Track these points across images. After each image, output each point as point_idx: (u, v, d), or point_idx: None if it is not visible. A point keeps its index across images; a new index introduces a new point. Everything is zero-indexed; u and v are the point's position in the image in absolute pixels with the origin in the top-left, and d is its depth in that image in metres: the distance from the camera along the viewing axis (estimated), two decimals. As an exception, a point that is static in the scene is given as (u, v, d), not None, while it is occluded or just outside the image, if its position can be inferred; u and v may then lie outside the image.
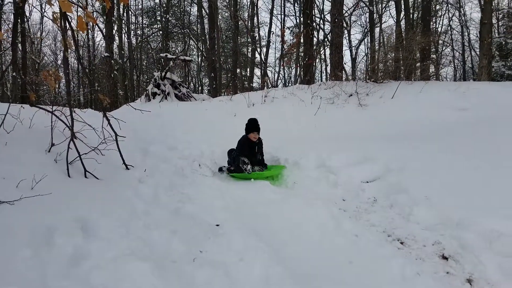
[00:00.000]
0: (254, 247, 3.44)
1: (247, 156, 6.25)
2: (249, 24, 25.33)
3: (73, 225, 3.17)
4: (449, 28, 29.23)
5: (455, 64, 30.53)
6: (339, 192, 5.14)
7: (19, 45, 16.54)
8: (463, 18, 28.37)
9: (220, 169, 6.55)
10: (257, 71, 31.47)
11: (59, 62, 33.45)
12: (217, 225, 4.01)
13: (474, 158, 4.84)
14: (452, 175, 4.53)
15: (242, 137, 6.47)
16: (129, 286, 2.65)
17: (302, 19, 19.18)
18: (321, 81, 16.99)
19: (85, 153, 4.73)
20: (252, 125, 6.42)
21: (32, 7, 33.41)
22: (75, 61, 31.25)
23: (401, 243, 3.70)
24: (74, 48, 4.92)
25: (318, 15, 23.65)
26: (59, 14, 4.76)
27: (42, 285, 2.43)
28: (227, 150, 6.70)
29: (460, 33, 29.63)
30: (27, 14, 26.19)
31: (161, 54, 15.72)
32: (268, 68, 29.71)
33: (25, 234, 2.80)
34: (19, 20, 15.38)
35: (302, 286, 2.96)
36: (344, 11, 17.64)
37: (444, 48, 29.31)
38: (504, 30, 21.79)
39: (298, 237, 3.93)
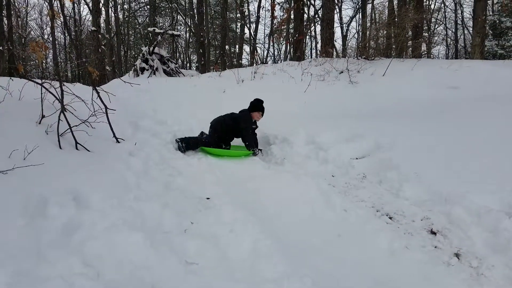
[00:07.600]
0: (244, 220, 3.47)
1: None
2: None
3: (66, 195, 3.19)
4: (442, 5, 28.91)
5: (448, 42, 30.41)
6: (329, 168, 5.16)
7: (5, 18, 16.22)
8: (457, -5, 28.07)
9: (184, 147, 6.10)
10: (246, 48, 31.19)
11: (46, 36, 32.87)
12: (208, 199, 4.05)
13: (465, 135, 4.88)
14: (443, 152, 4.56)
15: (246, 112, 6.39)
16: (122, 256, 2.69)
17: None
18: (312, 58, 16.85)
19: (76, 125, 4.70)
20: (260, 105, 6.43)
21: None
22: (62, 35, 30.79)
23: (390, 218, 3.76)
24: (61, 18, 4.81)
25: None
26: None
27: (37, 254, 2.45)
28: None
29: (453, 11, 29.32)
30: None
31: (149, 28, 15.46)
32: (257, 45, 29.45)
33: (18, 204, 2.82)
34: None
35: (291, 258, 3.00)
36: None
37: (436, 26, 29.18)
38: (499, 8, 21.58)
39: (287, 212, 3.97)
